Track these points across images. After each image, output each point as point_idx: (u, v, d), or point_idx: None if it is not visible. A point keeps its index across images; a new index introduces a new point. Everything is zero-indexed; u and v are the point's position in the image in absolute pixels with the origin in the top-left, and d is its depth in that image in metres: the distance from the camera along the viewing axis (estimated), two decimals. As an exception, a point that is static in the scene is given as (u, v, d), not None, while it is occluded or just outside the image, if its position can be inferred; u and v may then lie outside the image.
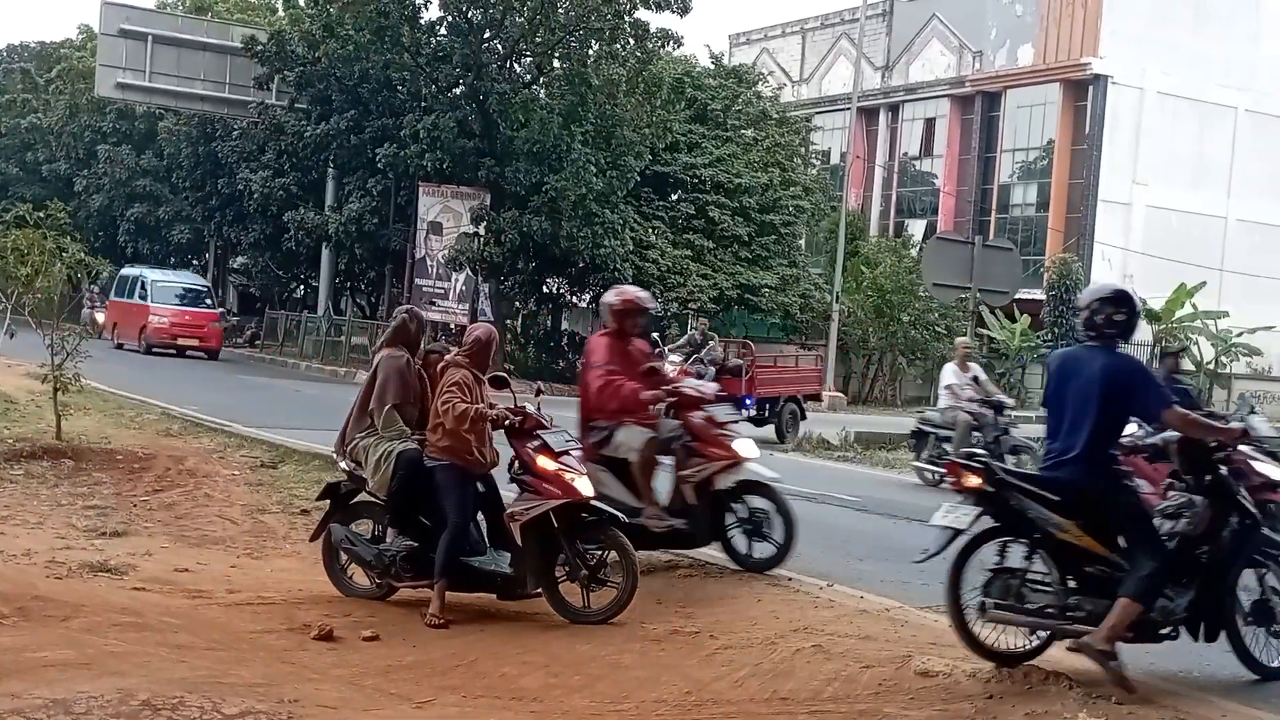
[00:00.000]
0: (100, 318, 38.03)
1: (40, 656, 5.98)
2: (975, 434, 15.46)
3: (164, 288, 34.52)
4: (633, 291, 9.35)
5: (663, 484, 8.82)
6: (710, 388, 9.83)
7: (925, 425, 16.47)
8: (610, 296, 9.18)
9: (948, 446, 15.42)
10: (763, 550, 8.98)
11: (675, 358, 18.58)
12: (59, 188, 46.34)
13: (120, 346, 33.29)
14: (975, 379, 16.28)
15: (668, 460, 8.80)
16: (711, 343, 20.99)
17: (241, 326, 45.39)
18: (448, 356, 7.97)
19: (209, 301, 35.99)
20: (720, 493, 8.78)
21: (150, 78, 38.56)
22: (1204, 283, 39.51)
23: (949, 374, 16.46)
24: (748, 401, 19.59)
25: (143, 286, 34.44)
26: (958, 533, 6.69)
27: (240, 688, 5.81)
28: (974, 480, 6.57)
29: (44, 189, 43.94)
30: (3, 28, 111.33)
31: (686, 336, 19.49)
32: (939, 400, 16.81)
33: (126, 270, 37.27)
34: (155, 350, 32.54)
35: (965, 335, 24.75)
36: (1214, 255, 44.26)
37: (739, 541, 8.97)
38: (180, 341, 33.19)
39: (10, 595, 7.02)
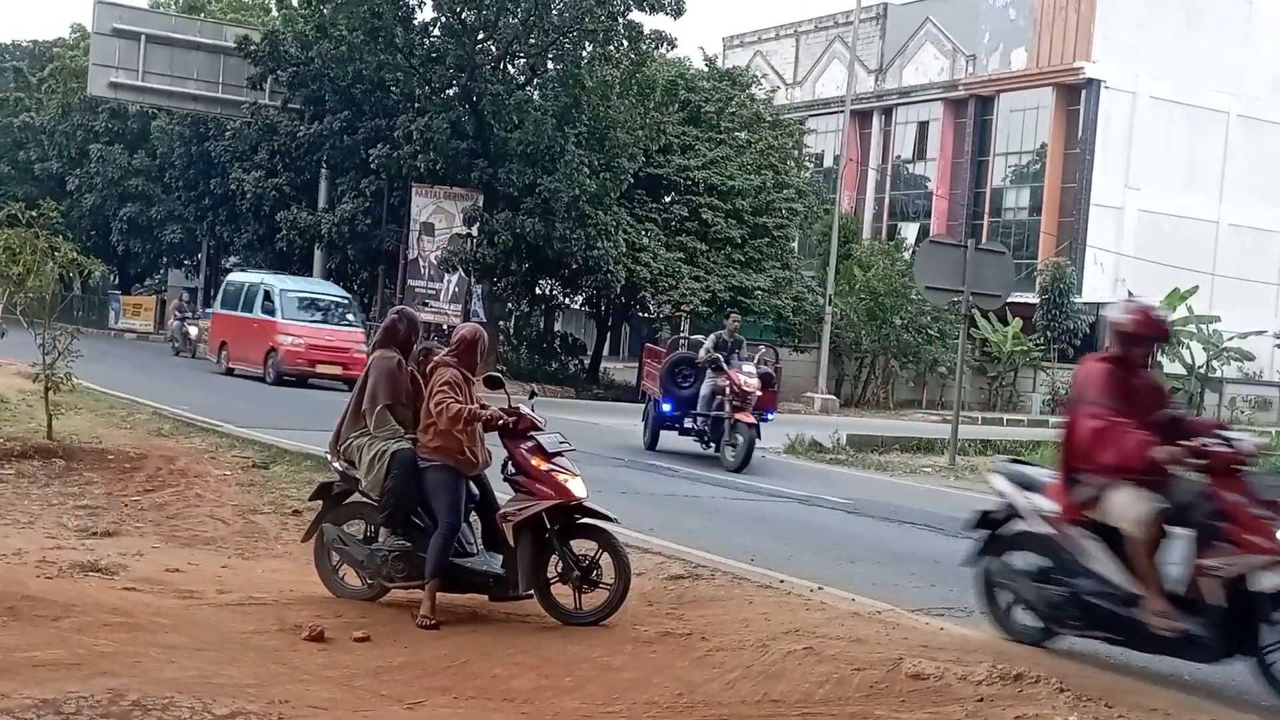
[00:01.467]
0: (194, 331, 34.84)
1: (30, 656, 5.96)
2: None
3: (295, 299, 27.86)
4: (1148, 309, 7.24)
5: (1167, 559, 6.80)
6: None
7: None
8: (1119, 313, 7.19)
9: None
10: None
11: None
12: (51, 187, 46.31)
13: (231, 372, 28.18)
14: None
15: (1180, 531, 6.75)
16: (763, 350, 19.38)
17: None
18: (436, 357, 7.96)
19: (351, 317, 28.59)
20: (1256, 595, 6.53)
21: (143, 77, 38.51)
22: (1196, 287, 39.62)
23: None
24: (769, 416, 17.93)
25: (267, 297, 27.70)
26: None
27: (231, 688, 5.80)
28: None
29: (36, 188, 43.89)
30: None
31: (713, 338, 17.96)
32: None
33: (240, 276, 31.37)
34: (286, 379, 26.00)
35: (957, 338, 24.81)
36: (1206, 259, 44.42)
37: None
38: (320, 369, 26.35)
39: (0, 594, 7.00)
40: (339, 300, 29.16)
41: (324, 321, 27.42)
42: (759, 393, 17.03)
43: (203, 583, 8.18)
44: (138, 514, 10.31)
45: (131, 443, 13.35)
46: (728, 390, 16.81)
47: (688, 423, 17.93)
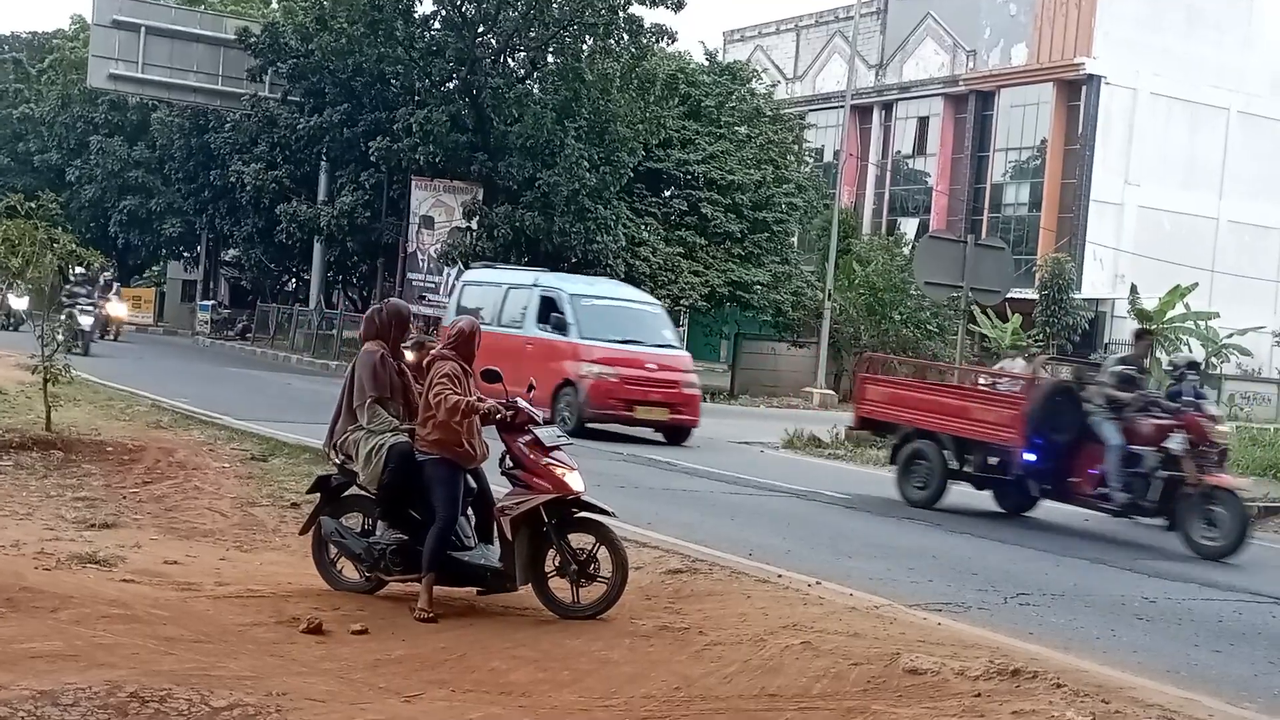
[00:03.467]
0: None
1: (28, 648, 5.96)
2: None
3: (597, 309, 19.84)
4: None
5: None
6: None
7: None
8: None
9: None
10: None
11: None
12: (51, 178, 46.26)
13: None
14: None
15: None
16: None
17: (233, 319, 45.33)
18: (434, 350, 7.94)
19: (669, 334, 20.83)
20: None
21: (143, 69, 38.51)
22: (1195, 284, 39.62)
23: None
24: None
25: (550, 306, 19.77)
26: None
27: (228, 680, 5.80)
28: None
29: (36, 179, 43.82)
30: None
31: (1116, 363, 13.60)
32: None
33: (491, 274, 23.20)
34: (591, 426, 18.52)
35: (956, 334, 24.82)
36: (1205, 256, 44.41)
37: None
38: (639, 413, 18.80)
39: (-2, 586, 7.00)
40: (651, 310, 20.93)
41: (638, 342, 19.42)
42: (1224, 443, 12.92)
43: (201, 575, 8.18)
44: (136, 506, 10.31)
45: (130, 435, 13.35)
46: (1178, 441, 12.17)
47: (1078, 483, 12.99)
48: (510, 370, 18.41)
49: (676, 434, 19.21)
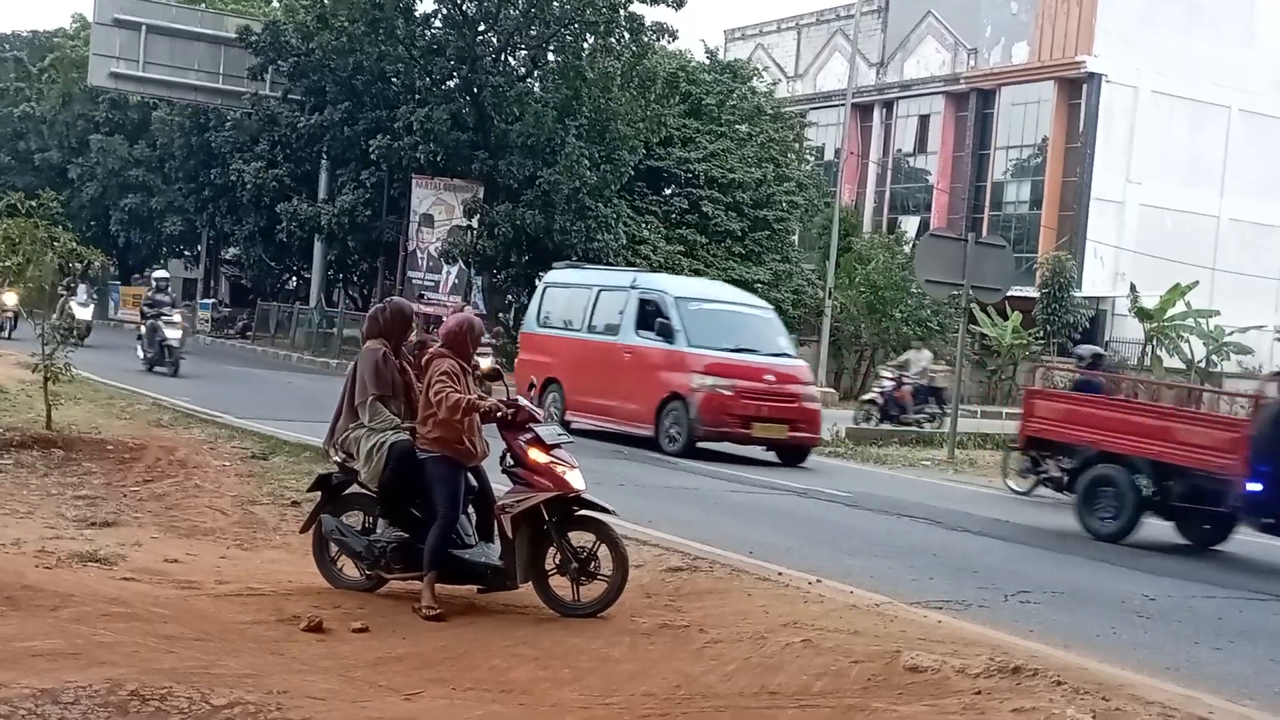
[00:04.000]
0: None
1: (28, 646, 5.96)
2: None
3: (706, 314, 18.03)
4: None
5: None
6: None
7: None
8: None
9: None
10: None
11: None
12: (51, 177, 46.25)
13: (567, 426, 15.54)
14: None
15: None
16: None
17: (233, 318, 45.34)
18: (431, 349, 7.94)
19: (784, 341, 18.88)
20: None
21: (144, 67, 38.50)
22: (1196, 282, 39.60)
23: None
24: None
25: (652, 310, 17.85)
26: None
27: (229, 678, 5.80)
28: None
29: (36, 178, 43.82)
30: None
31: None
32: None
33: (578, 274, 21.11)
34: (703, 443, 17.13)
35: (957, 332, 24.86)
36: (1206, 254, 44.39)
37: None
38: (757, 431, 17.06)
39: (-1, 584, 7.01)
40: (763, 315, 19.14)
41: (751, 350, 17.63)
42: None
43: (201, 573, 8.18)
44: (136, 504, 10.31)
45: (130, 433, 13.36)
46: None
47: None
48: (605, 382, 18.04)
49: (794, 454, 17.39)
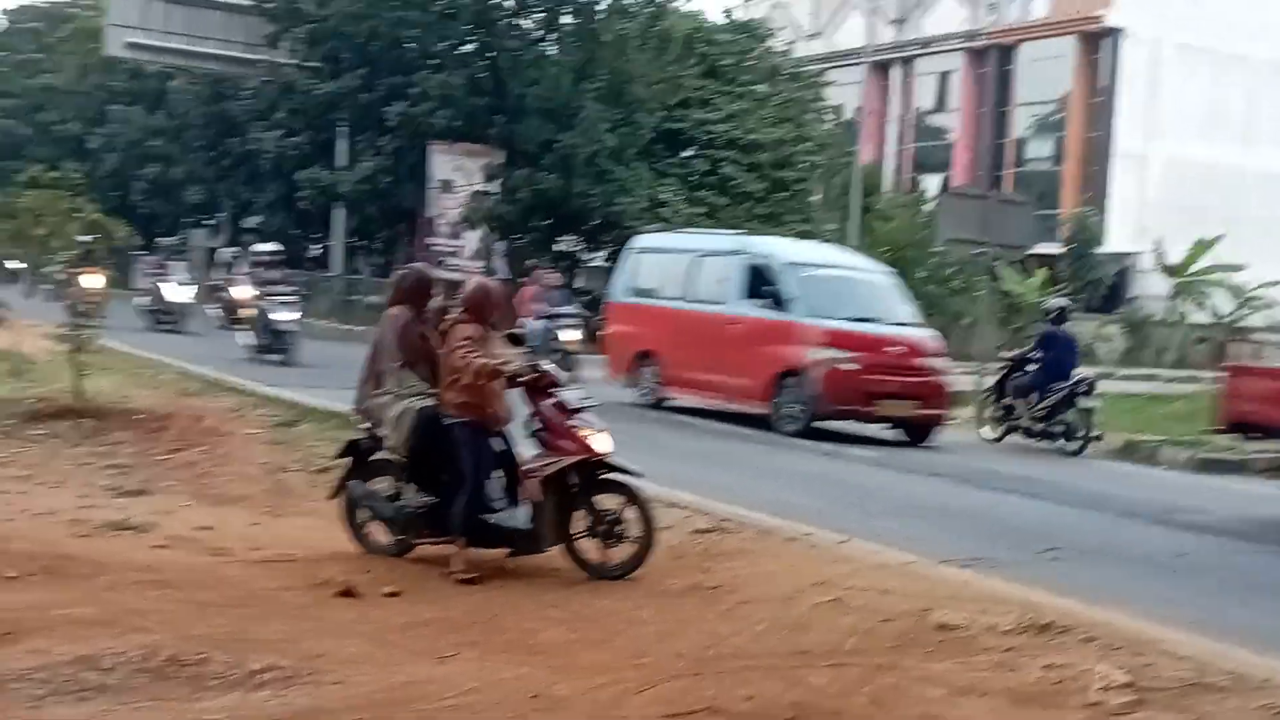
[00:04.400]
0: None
1: (65, 614, 6.03)
2: None
3: (820, 280, 16.58)
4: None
5: None
6: None
7: None
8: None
9: None
10: None
11: None
12: (72, 148, 46.38)
13: (659, 404, 17.37)
14: None
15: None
16: None
17: (256, 286, 45.47)
18: (450, 315, 7.94)
19: (909, 310, 17.42)
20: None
21: (161, 37, 38.44)
22: (1222, 236, 39.27)
23: None
24: None
25: (759, 276, 16.53)
26: None
27: (263, 644, 5.85)
28: None
29: (57, 149, 43.95)
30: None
31: None
32: None
33: (671, 238, 20.37)
34: (820, 426, 15.65)
35: (981, 291, 24.72)
36: (1232, 208, 43.96)
37: None
38: (884, 408, 15.58)
39: (35, 553, 7.07)
40: (883, 280, 17.75)
41: (873, 319, 16.20)
42: None
43: (232, 540, 8.24)
44: (167, 473, 10.38)
45: (160, 402, 13.41)
46: None
47: None
48: (708, 355, 16.77)
49: (921, 431, 16.05)
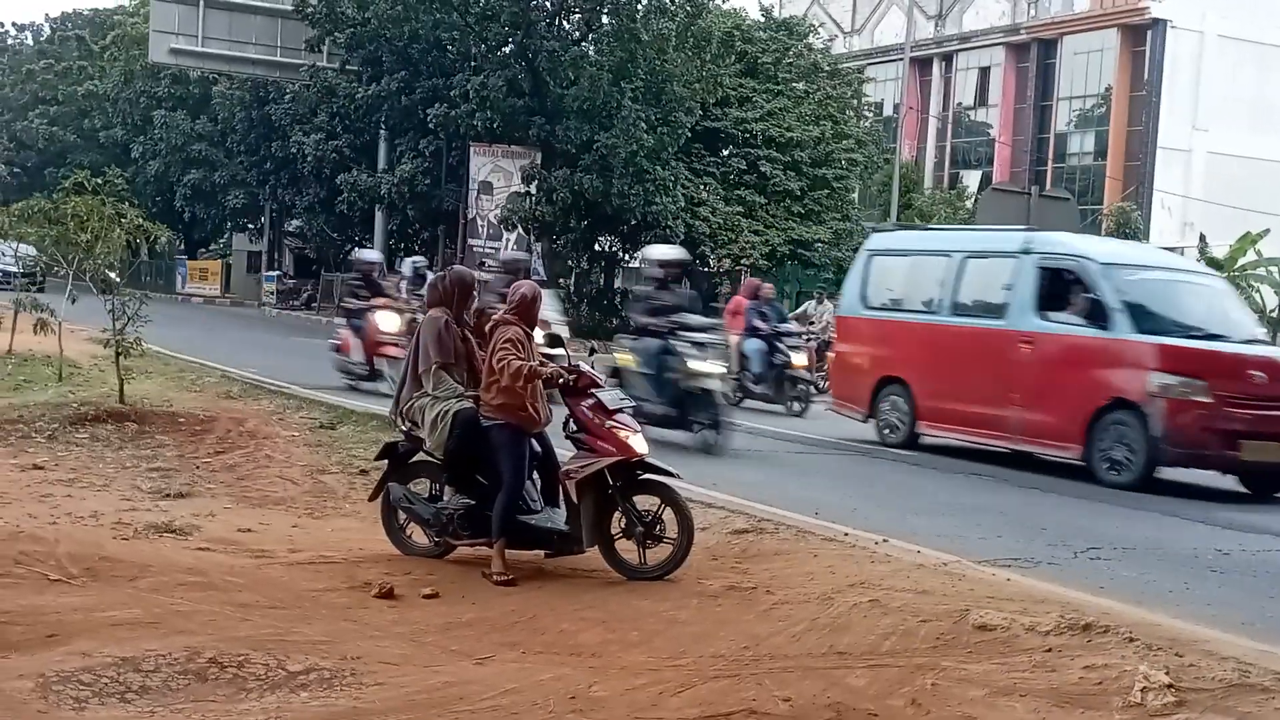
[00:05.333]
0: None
1: (109, 616, 6.10)
2: None
3: (1153, 291, 13.35)
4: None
5: None
6: None
7: None
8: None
9: None
10: None
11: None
12: (116, 154, 46.98)
13: (915, 440, 14.65)
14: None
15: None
16: None
17: (298, 289, 45.82)
18: (495, 315, 7.97)
19: (1256, 325, 15.06)
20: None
21: (203, 42, 38.86)
22: (1267, 230, 38.78)
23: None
24: None
25: (1073, 285, 13.28)
26: None
27: (304, 645, 5.90)
28: None
29: (101, 155, 44.53)
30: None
31: None
32: None
33: (936, 238, 17.11)
34: (1168, 467, 12.68)
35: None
36: (1277, 201, 43.43)
37: None
38: (1249, 454, 12.26)
39: (79, 556, 7.16)
40: (1218, 288, 14.70)
41: (1220, 337, 12.92)
42: None
43: (274, 542, 8.31)
44: (209, 475, 10.48)
45: (201, 405, 13.55)
46: None
47: None
48: (984, 383, 13.50)
49: (1274, 482, 12.67)
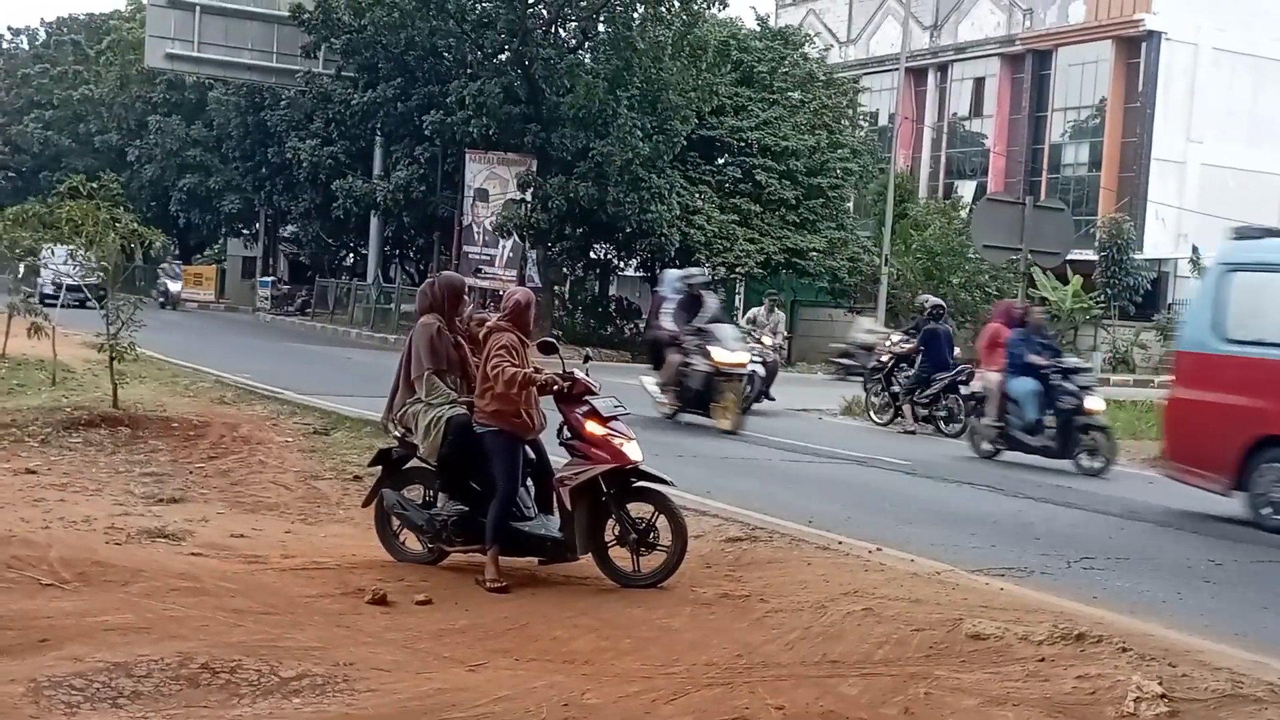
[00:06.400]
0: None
1: (101, 621, 6.09)
2: None
3: None
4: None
5: None
6: None
7: None
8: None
9: None
10: None
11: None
12: (111, 159, 46.94)
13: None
14: None
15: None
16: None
17: (292, 295, 45.80)
18: (489, 321, 7.97)
19: None
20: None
21: (199, 48, 38.88)
22: (1260, 242, 38.86)
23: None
24: None
25: None
26: None
27: (296, 651, 5.89)
28: None
29: (96, 160, 44.48)
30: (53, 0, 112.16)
31: None
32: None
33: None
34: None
35: (1016, 297, 24.56)
36: (1270, 213, 43.50)
37: None
38: None
39: (71, 561, 7.14)
40: None
41: None
42: None
43: (267, 548, 8.29)
44: (202, 480, 10.46)
45: (195, 410, 13.53)
46: None
47: None
48: None
49: None
